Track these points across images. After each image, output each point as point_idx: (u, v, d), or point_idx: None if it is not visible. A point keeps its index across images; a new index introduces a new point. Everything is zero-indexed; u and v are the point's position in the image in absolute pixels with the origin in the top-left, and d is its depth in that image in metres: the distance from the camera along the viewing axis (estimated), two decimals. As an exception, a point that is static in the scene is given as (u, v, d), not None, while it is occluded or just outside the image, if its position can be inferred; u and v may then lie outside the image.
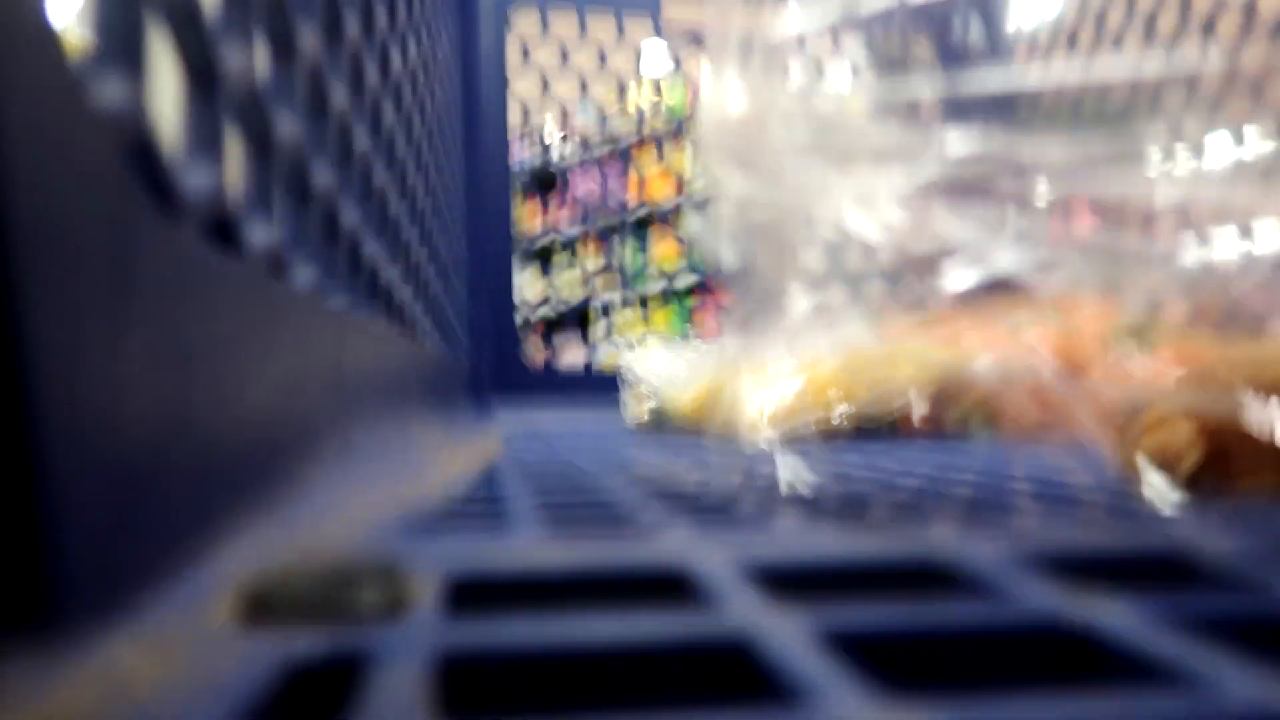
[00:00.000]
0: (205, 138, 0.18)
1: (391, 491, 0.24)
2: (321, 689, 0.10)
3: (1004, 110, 0.85)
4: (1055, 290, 0.22)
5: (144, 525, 0.12)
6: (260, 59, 0.21)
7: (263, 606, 0.12)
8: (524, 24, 0.89)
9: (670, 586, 0.14)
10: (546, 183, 2.44)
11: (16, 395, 0.10)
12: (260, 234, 0.19)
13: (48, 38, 0.10)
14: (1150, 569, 0.16)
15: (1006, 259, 0.22)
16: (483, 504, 0.23)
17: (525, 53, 0.89)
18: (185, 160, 0.17)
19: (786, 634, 0.11)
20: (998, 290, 0.24)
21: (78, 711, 0.09)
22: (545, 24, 0.89)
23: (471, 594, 0.14)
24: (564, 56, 0.89)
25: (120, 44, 0.14)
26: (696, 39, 0.92)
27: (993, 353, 0.27)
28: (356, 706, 0.09)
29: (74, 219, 0.11)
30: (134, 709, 0.09)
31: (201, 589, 0.13)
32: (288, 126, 0.22)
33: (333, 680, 0.10)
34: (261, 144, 0.21)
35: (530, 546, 0.17)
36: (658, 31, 0.92)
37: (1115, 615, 0.12)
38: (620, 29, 0.91)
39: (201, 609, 0.12)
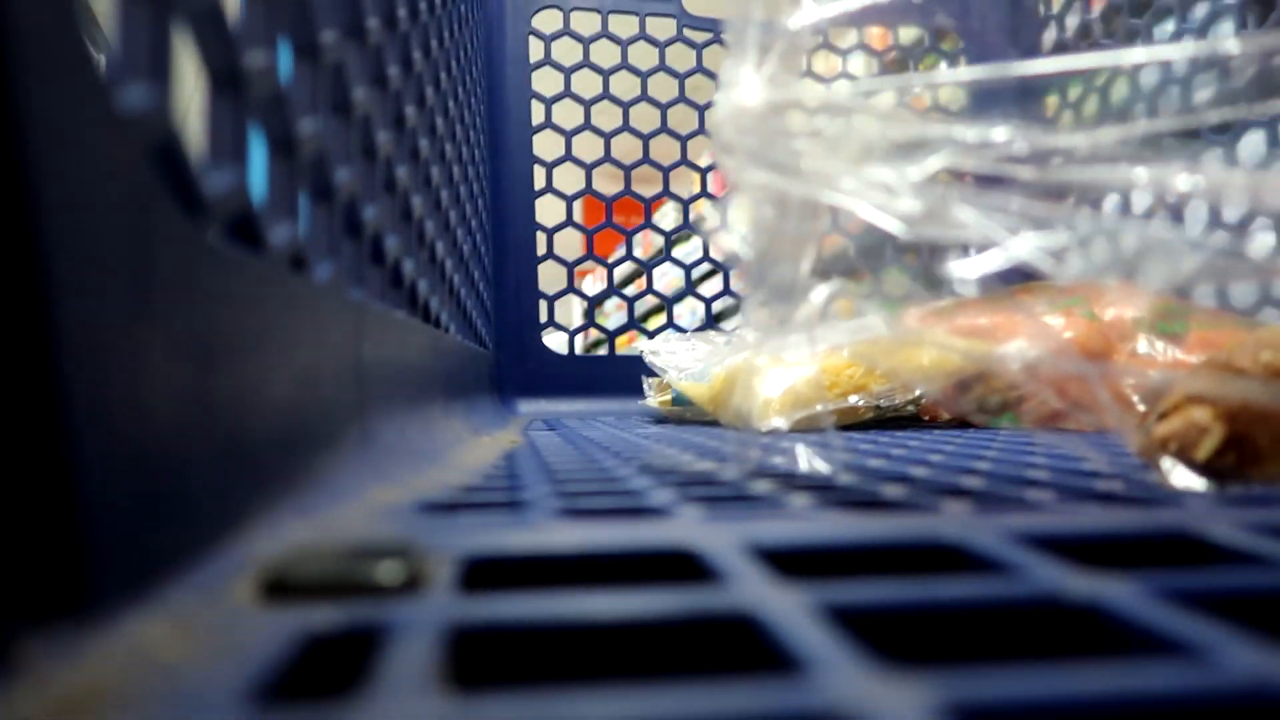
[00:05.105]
0: (227, 139, 0.18)
1: (410, 478, 0.24)
2: (338, 660, 0.11)
3: (1029, 97, 0.85)
4: (1078, 278, 0.22)
5: (169, 509, 0.13)
6: (282, 61, 0.21)
7: (282, 584, 0.12)
8: (546, 22, 0.89)
9: (678, 566, 0.14)
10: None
11: (46, 385, 0.10)
12: (282, 231, 0.20)
13: (77, 43, 0.11)
14: (1160, 549, 0.16)
15: (1026, 246, 0.22)
16: (499, 491, 0.23)
17: (547, 50, 0.89)
18: (208, 161, 0.17)
19: (790, 610, 0.11)
20: (1020, 278, 0.24)
21: (107, 680, 0.09)
22: (567, 24, 0.90)
23: (485, 573, 0.14)
24: (585, 54, 0.90)
25: (146, 48, 0.14)
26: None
27: (1014, 339, 0.27)
28: (372, 676, 0.09)
29: (100, 218, 0.11)
30: (159, 679, 0.09)
31: (224, 570, 0.13)
32: (309, 126, 0.23)
33: (349, 651, 0.11)
34: (283, 144, 0.21)
35: (543, 529, 0.17)
36: (679, 31, 0.92)
37: (1121, 592, 0.12)
38: (642, 28, 0.91)
39: (224, 588, 0.12)
